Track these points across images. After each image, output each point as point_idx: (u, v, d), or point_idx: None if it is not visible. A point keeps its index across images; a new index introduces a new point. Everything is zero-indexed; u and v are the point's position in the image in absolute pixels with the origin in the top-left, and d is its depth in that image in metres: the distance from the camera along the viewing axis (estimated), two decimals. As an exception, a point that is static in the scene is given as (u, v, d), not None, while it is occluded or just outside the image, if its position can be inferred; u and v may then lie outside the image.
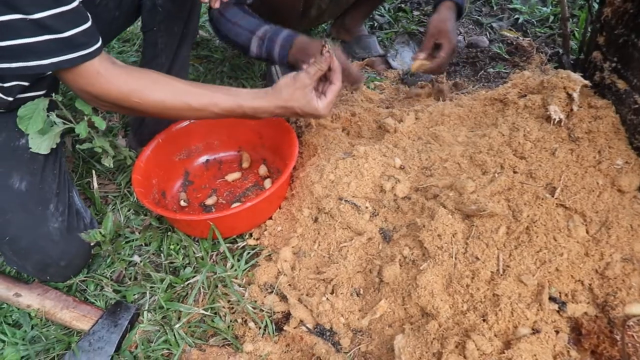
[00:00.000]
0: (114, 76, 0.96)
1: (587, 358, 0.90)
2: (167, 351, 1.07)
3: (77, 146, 1.39)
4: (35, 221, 1.11)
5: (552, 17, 2.10)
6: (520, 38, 1.98)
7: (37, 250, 1.12)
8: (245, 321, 1.11)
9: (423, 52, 1.49)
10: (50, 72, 1.14)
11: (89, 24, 0.91)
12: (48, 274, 1.17)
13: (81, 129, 1.13)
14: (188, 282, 1.19)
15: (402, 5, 2.27)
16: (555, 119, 1.15)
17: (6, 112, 1.11)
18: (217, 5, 1.23)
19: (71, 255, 1.16)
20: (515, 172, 1.11)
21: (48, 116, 1.10)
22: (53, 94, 1.11)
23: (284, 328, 1.08)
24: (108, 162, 1.26)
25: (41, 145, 1.10)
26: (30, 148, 1.10)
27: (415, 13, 2.23)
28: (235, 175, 1.47)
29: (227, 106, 1.07)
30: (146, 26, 1.35)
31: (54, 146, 1.13)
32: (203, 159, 1.51)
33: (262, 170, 1.48)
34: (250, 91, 1.12)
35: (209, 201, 1.40)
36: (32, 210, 1.11)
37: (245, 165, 1.50)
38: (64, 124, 1.13)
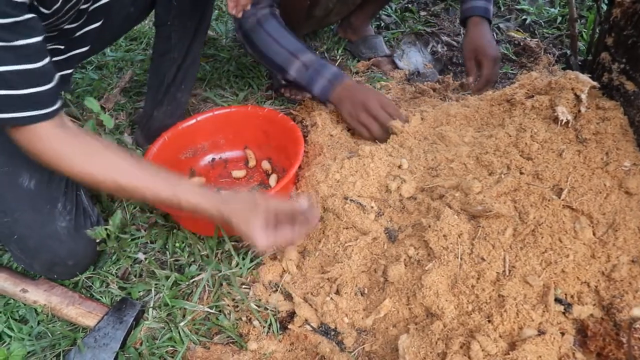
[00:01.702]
0: (54, 140, 0.93)
1: (593, 360, 0.90)
2: (171, 348, 1.07)
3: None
4: (44, 220, 1.11)
5: (560, 18, 2.09)
6: (528, 39, 1.97)
7: (45, 249, 1.12)
8: (250, 319, 1.11)
9: (471, 77, 1.57)
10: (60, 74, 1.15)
11: (49, 86, 0.90)
12: (55, 272, 1.17)
13: (89, 127, 1.14)
14: (193, 280, 1.19)
15: (409, 6, 2.26)
16: (562, 120, 1.14)
17: None
18: (240, 15, 1.21)
19: (79, 255, 1.17)
20: (521, 173, 1.11)
21: None
22: (62, 92, 1.11)
23: (289, 327, 1.08)
24: None
25: None
26: None
27: (422, 13, 2.22)
28: (241, 172, 1.47)
29: (161, 194, 0.97)
30: (160, 20, 1.35)
31: None
32: (209, 157, 1.52)
33: (266, 165, 1.48)
34: (194, 186, 1.02)
35: None
36: (40, 209, 1.11)
37: (251, 163, 1.50)
38: (72, 122, 1.13)
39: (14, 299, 1.18)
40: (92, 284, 1.21)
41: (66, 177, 1.18)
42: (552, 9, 2.17)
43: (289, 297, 1.13)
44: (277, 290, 1.15)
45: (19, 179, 1.10)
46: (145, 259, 1.25)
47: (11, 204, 1.09)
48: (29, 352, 1.09)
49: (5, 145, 1.10)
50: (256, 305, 1.12)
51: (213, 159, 1.52)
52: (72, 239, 1.14)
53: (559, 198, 1.04)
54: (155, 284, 1.19)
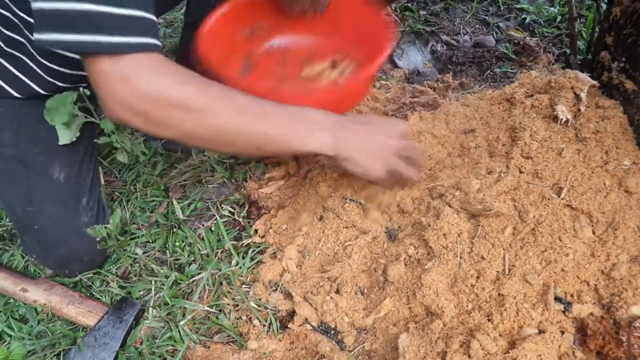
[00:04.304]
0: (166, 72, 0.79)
1: (593, 359, 0.90)
2: (171, 347, 1.07)
3: (95, 140, 1.38)
4: (68, 214, 1.11)
5: (559, 17, 2.09)
6: (528, 38, 1.97)
7: (64, 243, 1.12)
8: (250, 318, 1.11)
9: None
10: None
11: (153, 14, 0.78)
12: (68, 268, 1.17)
13: (107, 124, 1.13)
14: (193, 279, 1.19)
15: (409, 5, 2.26)
16: (562, 119, 1.14)
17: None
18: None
19: (95, 251, 1.17)
20: (521, 172, 1.11)
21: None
22: (81, 87, 1.09)
23: (289, 326, 1.08)
24: (123, 158, 1.26)
25: (63, 136, 1.09)
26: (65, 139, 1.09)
27: (422, 12, 2.22)
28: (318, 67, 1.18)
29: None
30: (192, 16, 1.33)
31: (74, 139, 1.12)
32: (272, 42, 1.22)
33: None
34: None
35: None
36: (66, 202, 1.11)
37: (315, 60, 1.22)
38: (85, 117, 1.12)
39: (14, 298, 1.18)
40: (92, 283, 1.21)
41: (92, 173, 1.16)
42: (552, 8, 2.17)
43: (289, 296, 1.13)
44: (277, 289, 1.15)
45: (51, 169, 1.09)
46: (144, 253, 1.25)
47: (39, 193, 1.09)
48: (29, 352, 1.09)
49: (42, 135, 1.09)
50: (256, 305, 1.12)
51: (272, 46, 1.22)
52: (91, 236, 1.14)
53: (559, 197, 1.04)
54: (156, 283, 1.19)
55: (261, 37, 1.19)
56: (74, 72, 1.06)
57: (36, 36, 0.73)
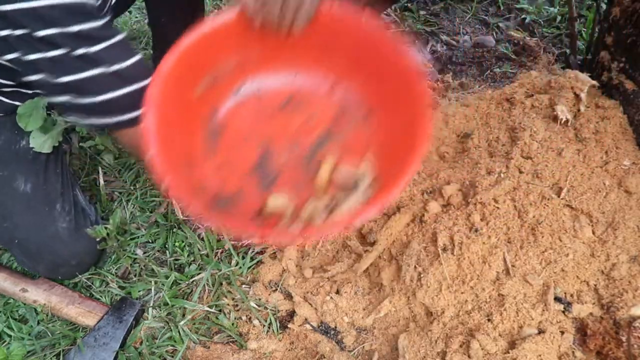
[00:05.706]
0: None
1: (593, 359, 0.90)
2: (171, 348, 1.07)
3: (81, 144, 1.39)
4: (44, 222, 1.11)
5: (559, 17, 2.09)
6: (527, 38, 1.97)
7: (47, 251, 1.12)
8: (250, 319, 1.11)
9: None
10: None
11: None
12: (59, 273, 1.17)
13: (82, 128, 1.13)
14: (193, 279, 1.19)
15: (408, 5, 2.26)
16: (562, 119, 1.14)
17: (4, 115, 1.09)
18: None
19: (81, 254, 1.16)
20: (521, 172, 1.11)
21: (50, 114, 1.09)
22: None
23: (288, 326, 1.08)
24: (108, 158, 1.26)
25: (44, 144, 1.09)
26: (33, 148, 1.09)
27: (422, 12, 2.22)
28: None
29: None
30: (153, 18, 1.35)
31: (56, 144, 1.12)
32: (240, 90, 0.85)
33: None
34: None
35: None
36: (39, 212, 1.11)
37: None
38: (66, 122, 1.12)
39: (13, 299, 1.18)
40: (92, 283, 1.21)
41: (62, 177, 1.17)
42: (552, 8, 2.16)
43: (288, 296, 1.13)
44: (277, 289, 1.15)
45: (14, 183, 1.09)
46: (144, 253, 1.25)
47: (9, 208, 1.09)
48: (28, 352, 1.09)
49: (1, 150, 1.09)
50: (256, 305, 1.12)
51: (242, 91, 0.87)
52: (73, 239, 1.14)
53: (559, 197, 1.04)
54: (155, 283, 1.19)
55: (226, 83, 0.85)
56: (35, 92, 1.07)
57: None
